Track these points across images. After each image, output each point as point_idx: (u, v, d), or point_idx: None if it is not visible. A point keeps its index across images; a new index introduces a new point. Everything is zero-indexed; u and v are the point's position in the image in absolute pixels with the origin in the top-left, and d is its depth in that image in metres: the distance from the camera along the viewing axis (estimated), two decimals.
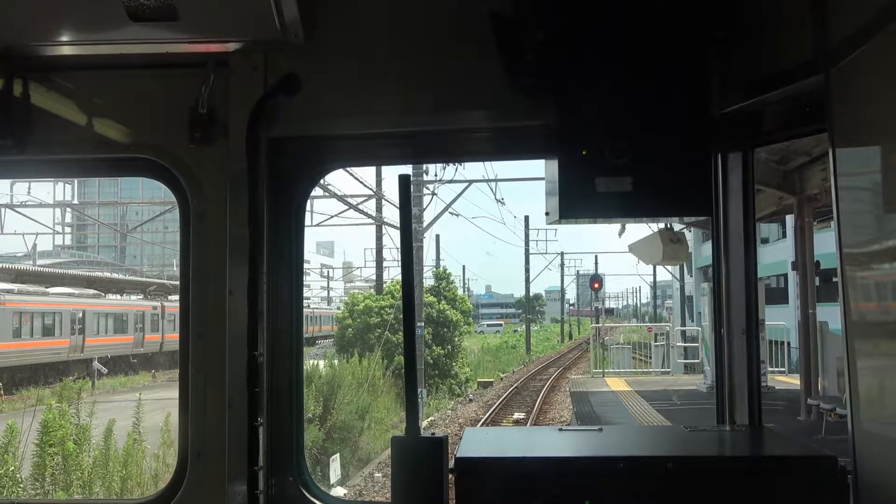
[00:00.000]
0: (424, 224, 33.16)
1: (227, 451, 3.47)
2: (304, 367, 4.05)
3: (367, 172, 35.52)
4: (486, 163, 33.65)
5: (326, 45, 3.58)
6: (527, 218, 68.91)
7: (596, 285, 44.66)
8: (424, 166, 30.77)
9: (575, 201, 3.27)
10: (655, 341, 35.78)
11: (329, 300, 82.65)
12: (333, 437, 23.47)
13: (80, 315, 43.31)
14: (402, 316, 3.37)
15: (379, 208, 38.16)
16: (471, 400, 34.78)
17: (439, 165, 32.45)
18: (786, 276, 39.88)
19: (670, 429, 6.30)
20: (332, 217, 36.86)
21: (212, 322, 3.57)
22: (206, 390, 3.56)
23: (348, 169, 25.16)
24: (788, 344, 26.03)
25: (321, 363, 27.10)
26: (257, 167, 3.49)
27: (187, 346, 3.64)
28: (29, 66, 3.60)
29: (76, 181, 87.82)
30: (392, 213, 38.58)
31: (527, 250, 69.40)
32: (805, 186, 15.31)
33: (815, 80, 3.02)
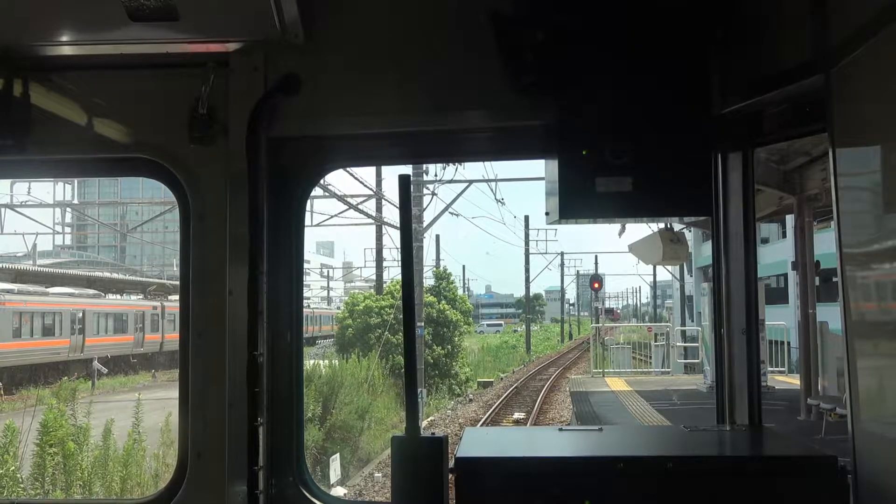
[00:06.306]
0: (424, 224, 33.14)
1: (227, 451, 3.47)
2: (304, 367, 4.05)
3: (367, 172, 35.52)
4: (486, 163, 33.70)
5: (326, 45, 3.58)
6: (527, 218, 68.90)
7: (596, 285, 44.66)
8: (424, 166, 30.75)
9: (575, 201, 3.28)
10: (655, 341, 35.74)
11: (329, 300, 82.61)
12: (333, 436, 23.46)
13: (80, 315, 43.25)
14: (402, 316, 3.37)
15: (379, 208, 38.15)
16: (471, 400, 34.76)
17: (439, 165, 32.45)
18: (786, 275, 39.86)
19: (670, 429, 6.30)
20: (332, 217, 36.84)
21: (212, 322, 3.57)
22: (206, 390, 3.56)
23: (348, 169, 25.16)
24: (788, 344, 26.00)
25: (321, 363, 27.10)
26: (257, 167, 3.49)
27: (187, 346, 3.64)
28: (29, 66, 3.60)
29: (76, 181, 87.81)
30: (392, 213, 38.59)
31: (527, 250, 69.37)
32: (805, 186, 15.31)
33: (815, 80, 3.03)
